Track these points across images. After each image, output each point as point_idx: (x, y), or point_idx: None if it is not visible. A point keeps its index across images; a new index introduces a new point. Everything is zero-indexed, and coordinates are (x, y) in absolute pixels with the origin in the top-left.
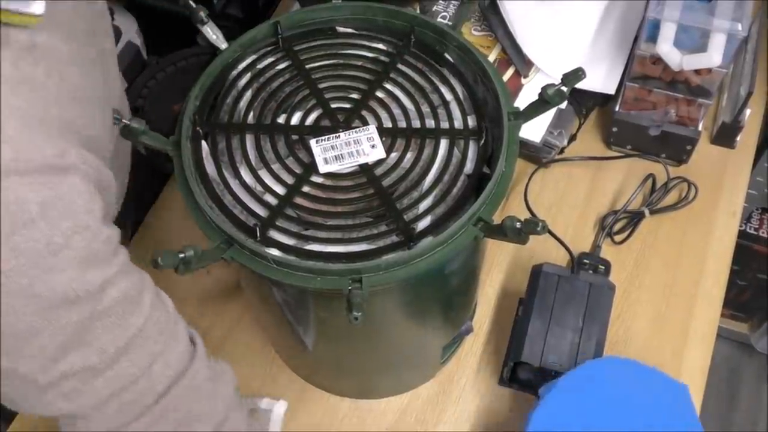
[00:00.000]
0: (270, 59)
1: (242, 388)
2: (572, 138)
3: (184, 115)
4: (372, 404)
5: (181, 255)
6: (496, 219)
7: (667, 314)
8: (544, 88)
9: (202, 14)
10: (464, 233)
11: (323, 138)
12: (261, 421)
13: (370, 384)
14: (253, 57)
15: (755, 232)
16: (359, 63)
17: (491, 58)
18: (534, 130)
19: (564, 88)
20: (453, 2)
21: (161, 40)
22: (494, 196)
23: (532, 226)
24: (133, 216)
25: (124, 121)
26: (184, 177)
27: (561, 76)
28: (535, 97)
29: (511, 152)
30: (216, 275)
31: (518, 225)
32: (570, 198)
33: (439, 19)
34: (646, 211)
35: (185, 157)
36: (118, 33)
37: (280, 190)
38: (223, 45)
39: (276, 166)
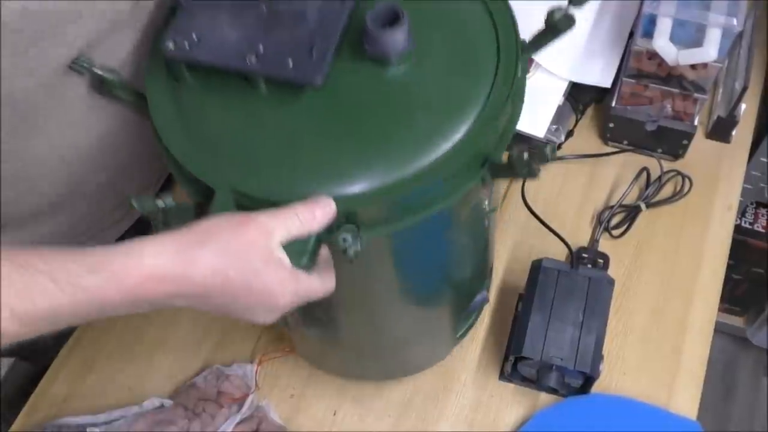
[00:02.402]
0: None
1: (241, 385)
2: (569, 134)
3: (155, 60)
4: (373, 401)
5: (160, 204)
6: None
7: (666, 308)
8: (550, 13)
9: None
10: (469, 176)
11: None
12: (236, 383)
13: (386, 362)
14: None
15: (750, 227)
16: None
17: None
18: (537, 125)
19: (572, 11)
20: None
21: None
22: (501, 135)
23: (540, 153)
24: None
25: (95, 69)
26: (156, 128)
27: None
28: (536, 94)
29: (517, 87)
30: None
31: (525, 156)
32: (567, 193)
33: None
34: (643, 205)
35: (158, 107)
36: None
37: None
38: None
39: None
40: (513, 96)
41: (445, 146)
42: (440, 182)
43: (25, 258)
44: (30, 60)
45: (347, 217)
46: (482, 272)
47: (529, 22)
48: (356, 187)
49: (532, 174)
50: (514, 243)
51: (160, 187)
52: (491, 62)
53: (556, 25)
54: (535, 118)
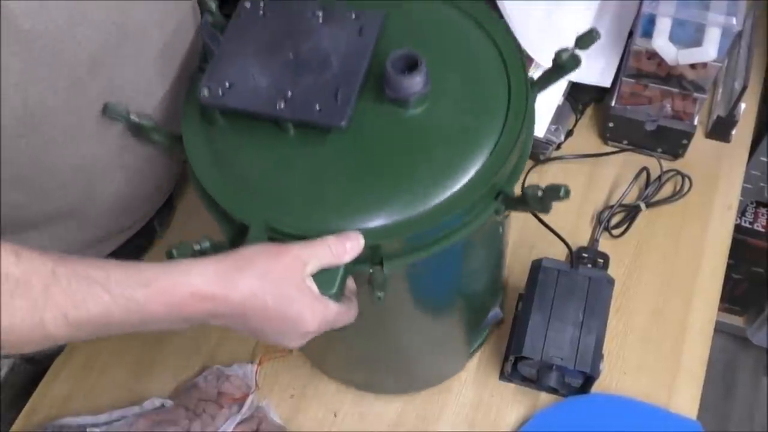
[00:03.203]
0: None
1: (242, 386)
2: (569, 133)
3: (189, 104)
4: (373, 401)
5: (196, 247)
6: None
7: (666, 307)
8: (558, 54)
9: (212, 4)
10: (485, 208)
11: None
12: (236, 384)
13: (400, 378)
14: None
15: (750, 226)
16: None
17: None
18: (537, 125)
19: (578, 52)
20: None
21: None
22: (514, 168)
23: (554, 192)
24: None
25: (133, 118)
26: (193, 170)
27: (575, 39)
28: (536, 93)
29: (527, 121)
30: None
31: (540, 193)
32: None
33: None
34: (642, 205)
35: (194, 150)
36: None
37: None
38: None
39: None
40: (524, 131)
41: (462, 181)
42: (458, 215)
43: (84, 268)
44: (43, 66)
45: (371, 249)
46: (496, 289)
47: (528, 23)
48: (380, 222)
49: (545, 210)
50: (514, 243)
51: (169, 195)
52: (502, 99)
53: (563, 65)
54: (535, 117)
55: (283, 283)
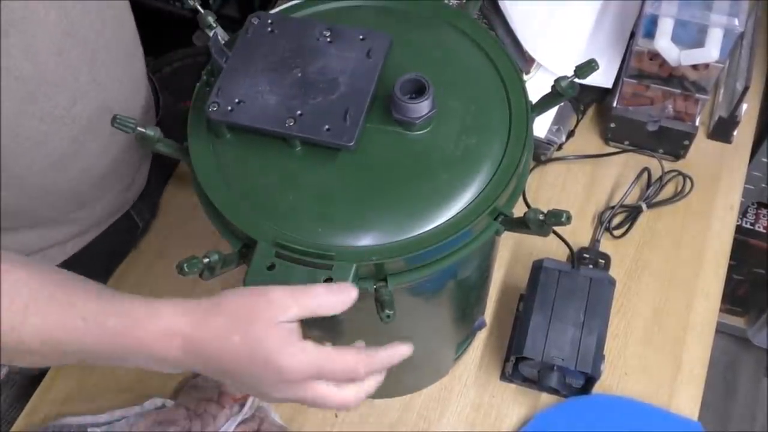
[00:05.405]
0: None
1: None
2: (570, 134)
3: (195, 117)
4: (374, 402)
5: (206, 260)
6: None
7: (667, 308)
8: (557, 81)
9: (210, 19)
10: (485, 228)
11: None
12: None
13: (386, 384)
14: None
15: (752, 227)
16: None
17: None
18: (538, 126)
19: (577, 80)
20: (454, 0)
21: (156, 41)
22: (514, 190)
23: (556, 218)
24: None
25: (139, 129)
26: (200, 184)
27: (574, 68)
28: (537, 94)
29: (528, 145)
30: None
31: (541, 217)
32: (568, 193)
33: None
34: (644, 206)
35: (201, 164)
36: None
37: None
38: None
39: None
40: (525, 155)
41: (464, 203)
42: (460, 236)
43: (65, 293)
44: (39, 107)
45: (376, 267)
46: (483, 300)
47: (530, 23)
48: (384, 241)
49: (544, 233)
50: (515, 243)
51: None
52: (504, 123)
53: (562, 92)
54: (536, 118)
55: (252, 324)
